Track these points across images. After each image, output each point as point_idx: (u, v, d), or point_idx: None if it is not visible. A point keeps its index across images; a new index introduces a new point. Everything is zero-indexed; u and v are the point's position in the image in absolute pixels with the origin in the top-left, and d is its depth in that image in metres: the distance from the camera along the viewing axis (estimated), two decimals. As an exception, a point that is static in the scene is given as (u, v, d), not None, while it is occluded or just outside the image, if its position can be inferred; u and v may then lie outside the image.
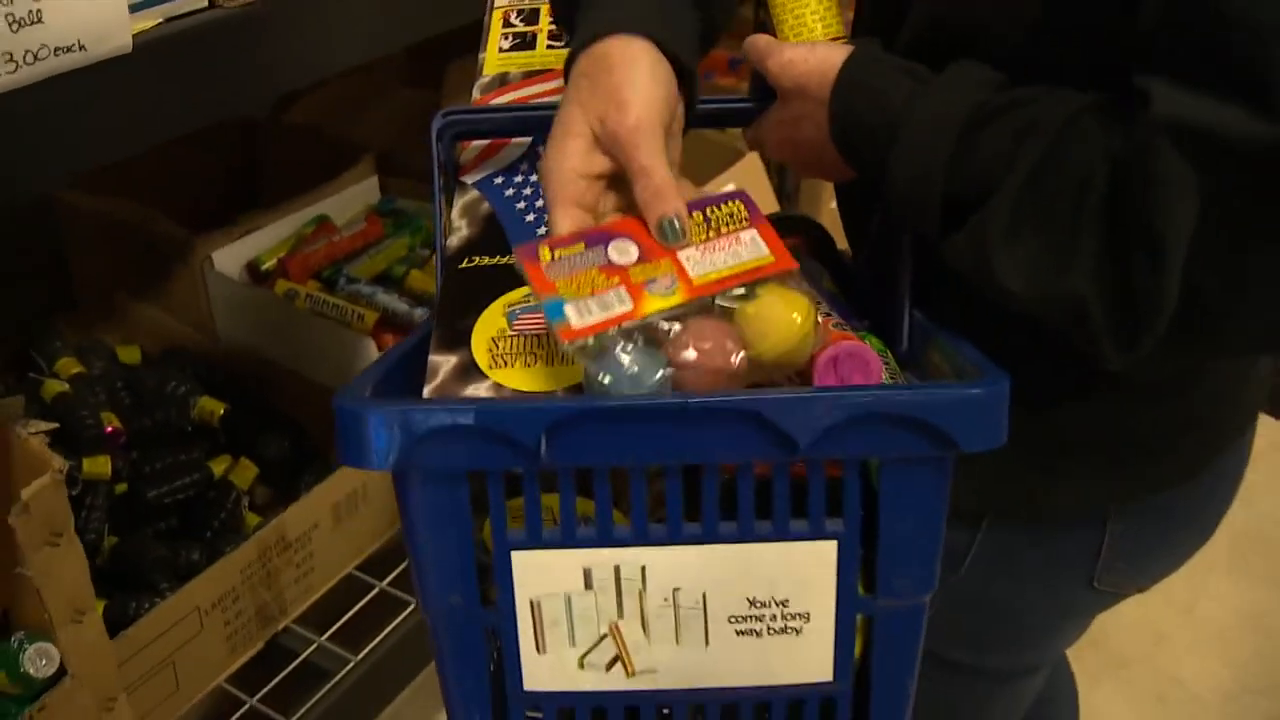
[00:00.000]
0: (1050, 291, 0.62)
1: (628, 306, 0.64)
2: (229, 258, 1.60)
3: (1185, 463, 0.85)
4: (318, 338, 1.49)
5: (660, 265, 0.66)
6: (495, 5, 0.96)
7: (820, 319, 0.70)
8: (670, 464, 0.63)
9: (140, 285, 1.64)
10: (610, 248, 0.67)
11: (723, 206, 0.70)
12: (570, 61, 0.71)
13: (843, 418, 0.60)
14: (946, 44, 0.71)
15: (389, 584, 1.37)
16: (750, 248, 0.68)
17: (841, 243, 0.91)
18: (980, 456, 0.61)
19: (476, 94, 0.89)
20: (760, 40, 0.79)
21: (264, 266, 1.61)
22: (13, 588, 1.02)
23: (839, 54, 0.73)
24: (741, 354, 0.64)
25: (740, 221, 0.69)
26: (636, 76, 0.68)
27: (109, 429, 1.37)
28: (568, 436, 0.60)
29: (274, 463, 1.45)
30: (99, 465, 1.32)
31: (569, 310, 0.63)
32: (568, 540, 0.64)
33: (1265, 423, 1.05)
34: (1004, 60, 0.68)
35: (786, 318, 0.65)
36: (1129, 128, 0.58)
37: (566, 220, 0.67)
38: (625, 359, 0.63)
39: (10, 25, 0.78)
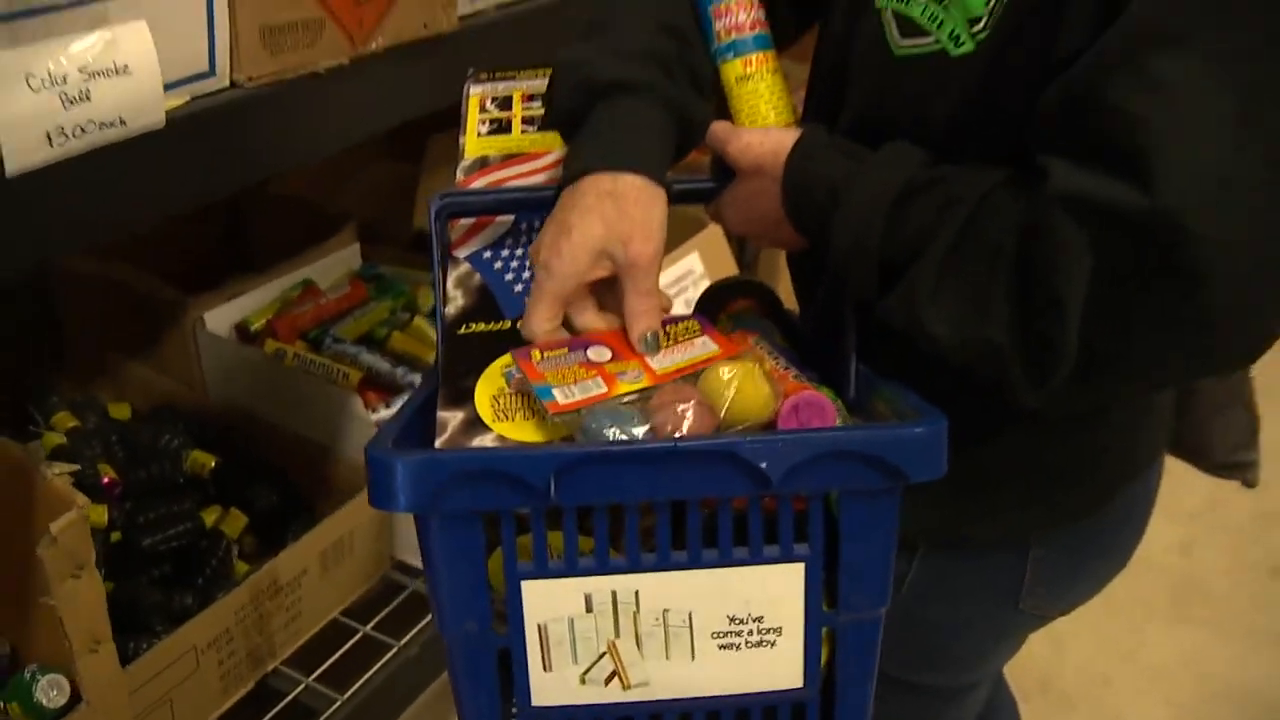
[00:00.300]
0: (971, 341, 0.72)
1: (603, 389, 0.75)
2: (219, 319, 1.67)
3: (1096, 493, 0.96)
4: (305, 394, 1.56)
5: (630, 363, 0.78)
6: (471, 93, 1.06)
7: (781, 371, 0.80)
8: (660, 499, 0.72)
9: (132, 345, 1.70)
10: (589, 350, 0.79)
11: (680, 324, 0.82)
12: (584, 171, 0.81)
13: (808, 456, 0.70)
14: (874, 129, 0.82)
15: (372, 628, 1.43)
16: (702, 347, 0.80)
17: (791, 303, 1.01)
18: (914, 491, 0.71)
19: (460, 175, 0.99)
20: (720, 127, 0.90)
21: (253, 327, 1.68)
22: (24, 623, 1.09)
23: (790, 137, 0.84)
24: (704, 406, 0.74)
25: (694, 332, 0.82)
26: (656, 215, 0.81)
27: (105, 480, 1.43)
28: (574, 478, 0.69)
29: (262, 513, 1.51)
30: (96, 514, 1.37)
31: (555, 392, 0.75)
32: (571, 570, 0.73)
33: (1201, 480, 1.16)
34: (923, 141, 0.79)
35: (738, 384, 0.75)
36: (1032, 200, 0.69)
37: (546, 317, 0.79)
38: (613, 419, 0.73)
39: (64, 103, 0.87)
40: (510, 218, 0.94)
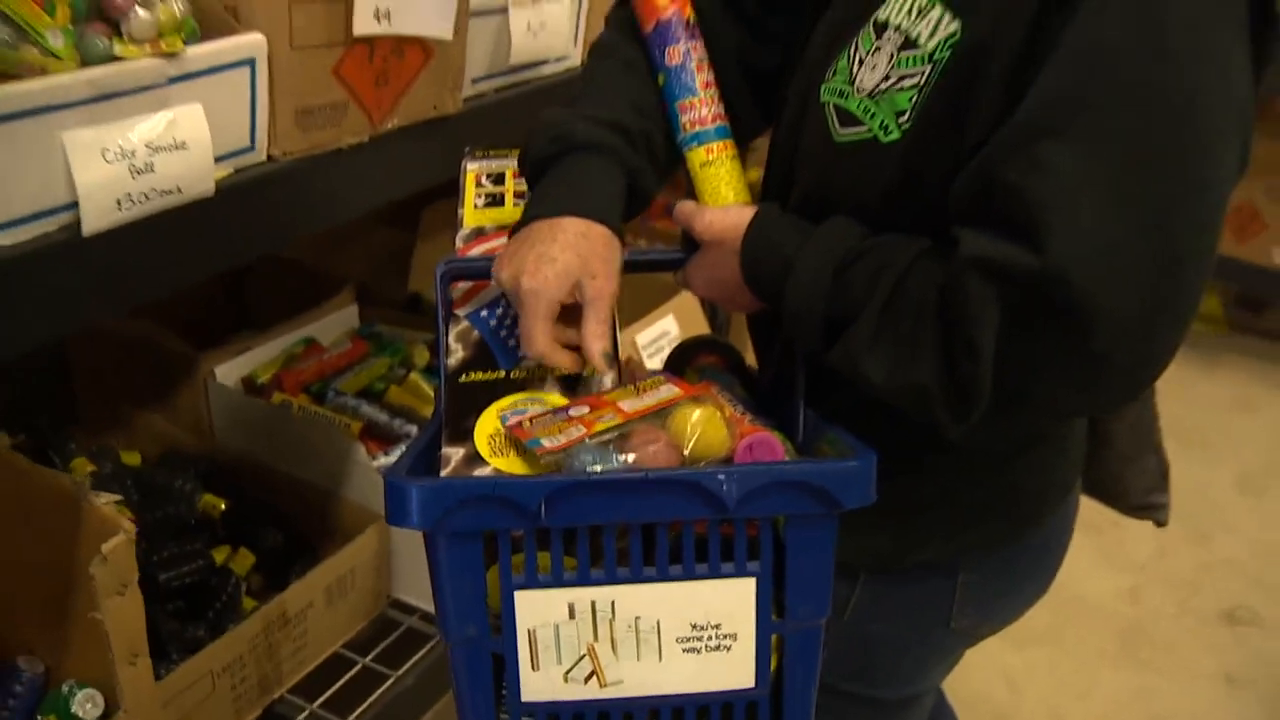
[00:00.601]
0: (903, 384, 0.86)
1: (583, 431, 0.88)
2: (228, 372, 1.80)
3: (1015, 523, 1.10)
4: (309, 442, 1.68)
5: (604, 410, 0.91)
6: (468, 169, 1.18)
7: (738, 416, 0.94)
8: (633, 521, 0.84)
9: (144, 396, 1.82)
10: (570, 410, 0.92)
11: (649, 379, 0.96)
12: (562, 212, 0.97)
13: (758, 485, 0.83)
14: (820, 203, 0.96)
15: (371, 660, 1.55)
16: (666, 391, 0.93)
17: (753, 361, 1.15)
18: (856, 521, 0.84)
19: (459, 243, 1.11)
20: (686, 206, 1.05)
21: (260, 380, 1.81)
22: (60, 642, 1.20)
23: (747, 214, 0.99)
24: (670, 442, 0.87)
25: (659, 383, 0.95)
26: (616, 260, 0.97)
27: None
28: (560, 503, 0.82)
29: (268, 553, 1.63)
30: (116, 550, 1.49)
31: (544, 440, 0.88)
32: (557, 582, 0.86)
33: (1148, 532, 1.29)
34: (860, 212, 0.93)
35: (699, 423, 0.89)
36: (949, 264, 0.83)
37: (544, 332, 0.94)
38: (594, 455, 0.86)
39: (132, 173, 1.01)
40: None
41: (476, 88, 1.49)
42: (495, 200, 1.15)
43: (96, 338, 1.84)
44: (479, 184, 1.17)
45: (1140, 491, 1.22)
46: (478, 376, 1.01)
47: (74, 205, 0.99)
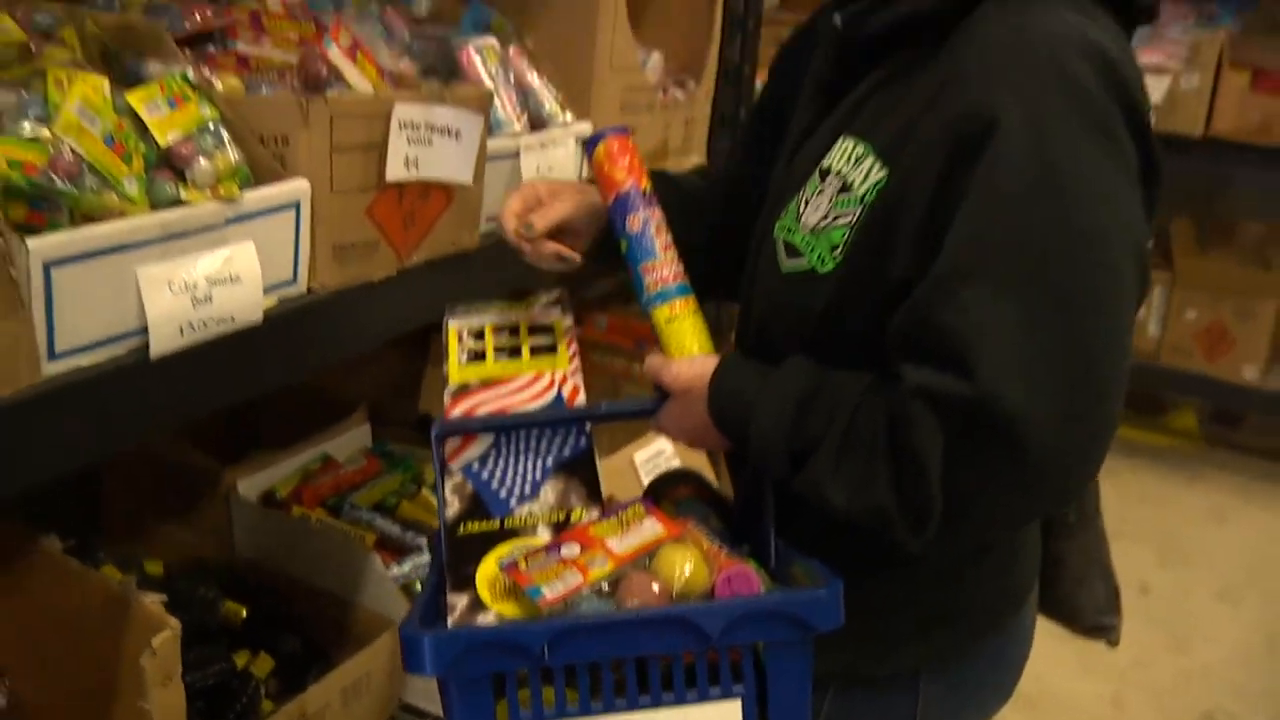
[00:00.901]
0: (863, 506, 0.96)
1: (579, 578, 0.98)
2: (250, 486, 1.91)
3: (969, 634, 1.18)
4: (326, 553, 1.78)
5: (595, 552, 1.01)
6: (449, 326, 1.28)
7: (715, 550, 1.04)
8: (627, 657, 0.94)
9: (168, 507, 1.93)
10: (562, 549, 1.02)
11: (629, 509, 1.06)
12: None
13: (738, 617, 0.94)
14: (773, 325, 1.10)
15: (382, 761, 1.63)
16: (650, 529, 1.04)
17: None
18: (822, 637, 0.94)
19: (447, 399, 1.20)
20: (654, 360, 1.16)
21: (279, 494, 1.92)
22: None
23: (711, 364, 1.11)
24: (658, 586, 0.98)
25: (640, 515, 1.06)
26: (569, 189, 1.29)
27: (151, 624, 1.64)
28: (563, 645, 0.92)
29: (287, 657, 1.72)
30: (144, 653, 1.58)
31: (544, 589, 0.97)
32: (560, 714, 0.95)
33: (1127, 638, 1.38)
34: (804, 332, 1.06)
35: (682, 565, 1.00)
36: (895, 397, 0.95)
37: (516, 199, 1.26)
38: (592, 605, 0.98)
39: (193, 303, 1.14)
40: (490, 437, 1.16)
41: (491, 224, 1.63)
42: (477, 356, 1.25)
43: (124, 451, 1.94)
44: (460, 340, 1.27)
45: (1091, 612, 1.31)
46: (475, 527, 1.11)
47: (142, 331, 1.12)
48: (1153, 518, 3.44)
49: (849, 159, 1.04)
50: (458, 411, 1.17)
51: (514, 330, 1.27)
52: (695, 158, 2.20)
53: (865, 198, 1.01)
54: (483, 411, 1.17)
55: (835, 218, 1.03)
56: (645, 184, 1.22)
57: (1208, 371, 3.80)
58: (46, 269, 1.02)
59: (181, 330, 1.14)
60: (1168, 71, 3.62)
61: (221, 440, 2.08)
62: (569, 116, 1.77)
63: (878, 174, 1.01)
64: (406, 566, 1.79)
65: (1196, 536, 3.42)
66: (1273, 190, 4.16)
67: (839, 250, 1.03)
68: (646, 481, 1.26)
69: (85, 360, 1.09)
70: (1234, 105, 3.58)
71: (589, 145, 1.25)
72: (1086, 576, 1.30)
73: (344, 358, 1.38)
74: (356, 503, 1.93)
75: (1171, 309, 3.85)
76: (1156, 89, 3.63)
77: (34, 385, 1.04)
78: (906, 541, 0.96)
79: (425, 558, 1.79)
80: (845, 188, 1.03)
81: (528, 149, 1.65)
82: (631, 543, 1.01)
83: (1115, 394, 0.93)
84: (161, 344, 1.12)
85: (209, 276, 1.15)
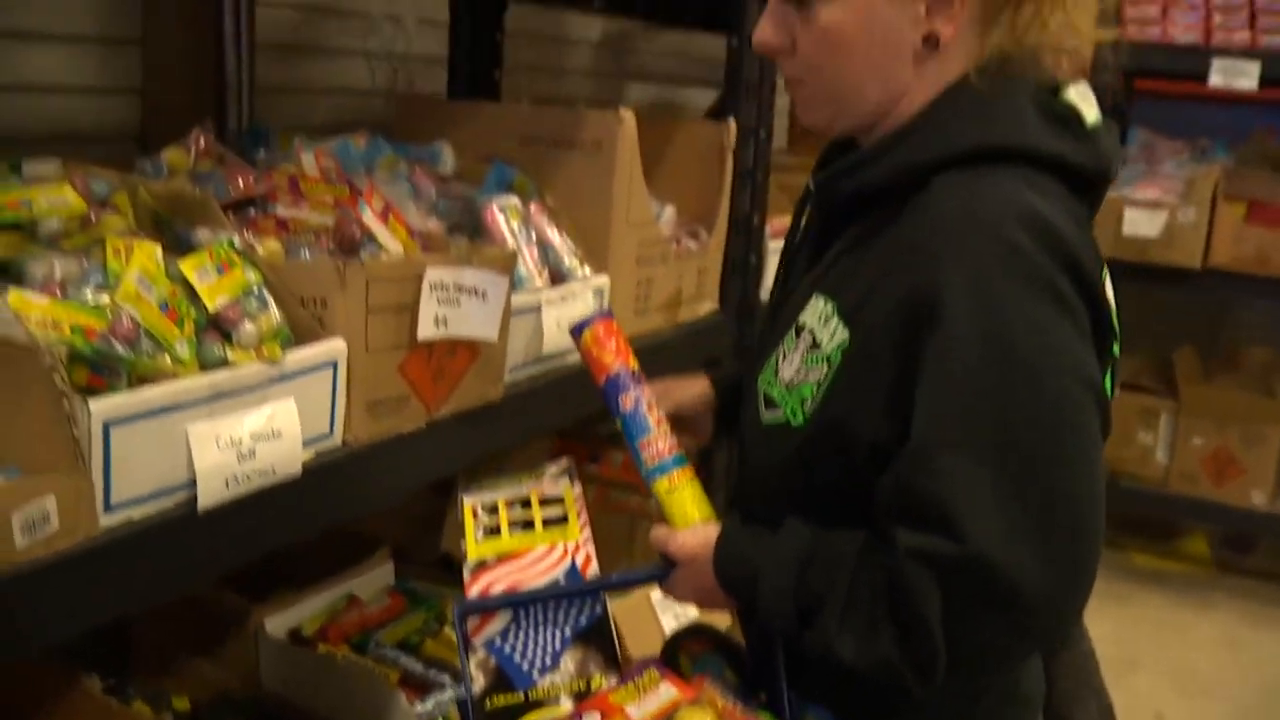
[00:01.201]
0: (870, 660, 1.03)
1: None
2: (277, 624, 1.97)
3: None
4: (352, 690, 1.83)
5: (616, 719, 1.06)
6: (464, 502, 1.35)
7: (730, 708, 1.11)
8: None
9: (195, 644, 1.98)
10: (583, 718, 1.08)
11: (645, 675, 1.12)
12: None
13: None
14: (757, 474, 1.18)
15: None
16: (665, 693, 1.10)
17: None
18: None
19: (466, 575, 1.27)
20: (659, 532, 1.24)
21: (306, 632, 1.97)
22: None
23: (713, 531, 1.19)
24: None
25: (655, 681, 1.12)
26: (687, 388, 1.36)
27: (182, 760, 1.69)
28: None
29: (312, 794, 1.76)
30: (175, 789, 1.63)
31: None
32: None
33: None
34: (780, 479, 1.15)
35: None
36: (890, 558, 1.02)
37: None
38: None
39: (239, 458, 1.22)
40: (509, 613, 1.23)
41: (514, 375, 1.71)
42: (493, 531, 1.32)
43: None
44: (475, 516, 1.34)
45: None
46: (501, 701, 1.18)
47: (191, 484, 1.20)
48: (1167, 646, 3.45)
49: (819, 317, 1.13)
50: (477, 587, 1.24)
51: (525, 503, 1.35)
52: (709, 304, 2.29)
53: (830, 357, 1.10)
54: (501, 586, 1.24)
55: (806, 373, 1.12)
56: (633, 364, 1.31)
57: (1216, 497, 3.85)
58: (106, 428, 1.11)
59: (227, 483, 1.21)
60: (1165, 206, 3.74)
61: (249, 578, 2.14)
62: (587, 270, 1.87)
63: (841, 334, 1.09)
64: (430, 704, 1.83)
65: (1211, 663, 3.43)
66: (1275, 318, 4.26)
67: (809, 404, 1.11)
68: (663, 619, 1.32)
69: (138, 512, 1.16)
70: (1230, 237, 3.69)
71: (575, 331, 1.34)
72: (1078, 692, 1.35)
73: (376, 508, 1.45)
74: (382, 640, 1.98)
75: (1178, 436, 3.91)
76: (1155, 223, 3.75)
77: (92, 537, 1.11)
78: (915, 688, 1.03)
79: (448, 694, 1.83)
80: (815, 344, 1.12)
81: (549, 303, 1.74)
82: (650, 708, 1.07)
83: (1091, 531, 1.01)
84: (209, 497, 1.20)
85: (253, 433, 1.24)
